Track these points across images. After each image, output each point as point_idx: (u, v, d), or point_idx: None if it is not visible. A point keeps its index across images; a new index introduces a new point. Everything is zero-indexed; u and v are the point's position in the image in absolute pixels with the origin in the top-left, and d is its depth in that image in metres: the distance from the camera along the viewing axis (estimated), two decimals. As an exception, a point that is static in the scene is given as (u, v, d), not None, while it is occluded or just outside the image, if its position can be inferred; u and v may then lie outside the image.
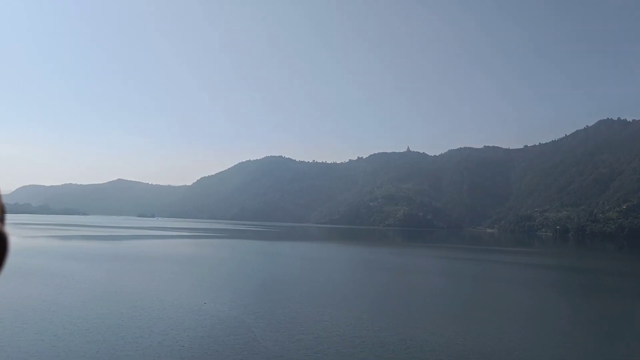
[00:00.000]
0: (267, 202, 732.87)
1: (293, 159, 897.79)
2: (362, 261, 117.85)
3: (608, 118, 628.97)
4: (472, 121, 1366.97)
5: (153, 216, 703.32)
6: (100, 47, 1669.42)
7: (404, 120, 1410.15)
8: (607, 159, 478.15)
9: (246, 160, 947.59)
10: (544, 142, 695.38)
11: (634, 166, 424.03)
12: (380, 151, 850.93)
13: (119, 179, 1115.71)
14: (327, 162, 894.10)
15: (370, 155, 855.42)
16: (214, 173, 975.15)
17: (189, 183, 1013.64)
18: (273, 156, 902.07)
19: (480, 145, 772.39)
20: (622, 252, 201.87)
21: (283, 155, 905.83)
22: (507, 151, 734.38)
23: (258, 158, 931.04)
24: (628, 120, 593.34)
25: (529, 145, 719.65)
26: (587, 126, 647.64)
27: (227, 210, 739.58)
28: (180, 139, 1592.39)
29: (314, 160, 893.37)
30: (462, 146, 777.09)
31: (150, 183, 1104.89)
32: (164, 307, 48.06)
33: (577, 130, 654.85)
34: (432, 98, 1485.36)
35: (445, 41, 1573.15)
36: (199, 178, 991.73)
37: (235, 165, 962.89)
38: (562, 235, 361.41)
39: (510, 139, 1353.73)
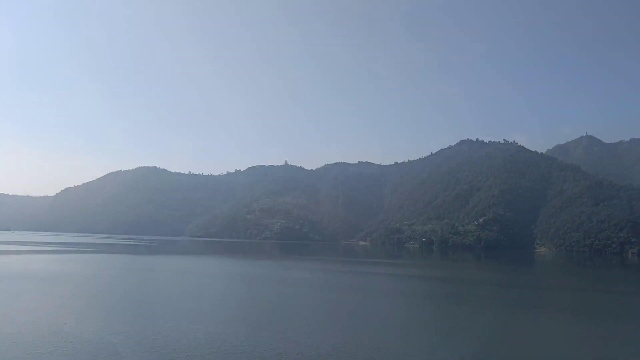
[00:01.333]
0: (141, 215, 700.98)
1: (168, 170, 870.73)
2: (238, 275, 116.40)
3: (468, 139, 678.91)
4: (347, 136, 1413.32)
5: (9, 229, 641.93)
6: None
7: (282, 134, 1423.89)
8: (467, 176, 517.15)
9: (117, 171, 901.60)
10: (412, 159, 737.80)
11: (489, 183, 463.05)
12: (259, 164, 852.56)
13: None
14: (204, 174, 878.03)
15: (249, 168, 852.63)
16: (80, 183, 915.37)
17: (52, 193, 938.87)
18: (147, 167, 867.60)
19: (354, 161, 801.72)
20: (480, 262, 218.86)
21: (157, 166, 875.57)
22: (380, 167, 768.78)
23: (130, 168, 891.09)
24: (485, 141, 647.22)
25: (399, 162, 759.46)
26: (450, 145, 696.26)
27: (97, 224, 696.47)
28: (41, 145, 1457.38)
29: (190, 172, 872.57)
30: (338, 161, 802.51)
31: (6, 193, 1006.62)
32: (20, 330, 43.77)
33: (441, 149, 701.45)
34: (308, 113, 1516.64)
35: (323, 57, 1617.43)
36: (63, 188, 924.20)
37: (104, 175, 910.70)
38: (427, 247, 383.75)
39: (383, 155, 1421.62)
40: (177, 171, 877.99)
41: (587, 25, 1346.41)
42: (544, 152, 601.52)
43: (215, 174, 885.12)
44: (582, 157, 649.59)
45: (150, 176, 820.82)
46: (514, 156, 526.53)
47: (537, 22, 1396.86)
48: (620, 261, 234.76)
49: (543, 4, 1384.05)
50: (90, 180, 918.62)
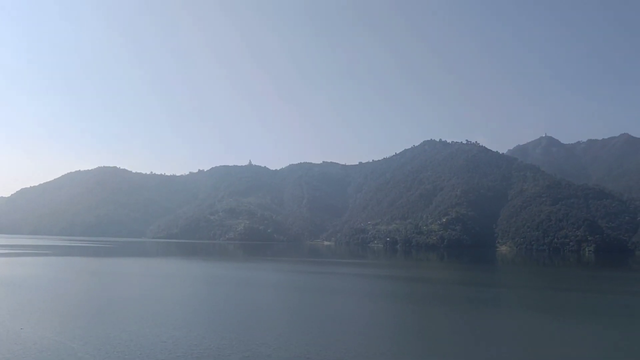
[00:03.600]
0: (100, 216, 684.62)
1: (129, 170, 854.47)
2: (203, 276, 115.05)
3: (431, 139, 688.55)
4: (311, 136, 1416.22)
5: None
6: None
7: (245, 134, 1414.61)
8: (430, 176, 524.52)
9: (75, 171, 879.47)
10: (376, 159, 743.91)
11: (452, 183, 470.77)
12: (222, 164, 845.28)
13: None
14: (167, 174, 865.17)
15: (212, 168, 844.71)
16: (37, 184, 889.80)
17: (7, 194, 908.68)
18: (107, 167, 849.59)
19: (319, 161, 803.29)
20: (443, 261, 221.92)
21: (118, 166, 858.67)
22: (344, 167, 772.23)
23: (89, 168, 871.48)
24: (448, 141, 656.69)
25: (363, 162, 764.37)
26: (413, 146, 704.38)
27: (54, 225, 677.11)
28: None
29: (152, 172, 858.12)
30: (303, 161, 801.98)
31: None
32: (-27, 337, 42.11)
33: (405, 149, 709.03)
34: (273, 112, 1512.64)
35: (287, 56, 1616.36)
36: (19, 189, 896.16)
37: (62, 175, 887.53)
38: (391, 246, 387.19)
39: (347, 155, 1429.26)
40: (138, 171, 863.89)
41: (545, 27, 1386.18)
42: (504, 152, 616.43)
43: (178, 174, 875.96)
44: (541, 157, 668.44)
45: (110, 176, 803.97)
46: (476, 156, 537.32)
47: (496, 25, 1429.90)
48: (577, 259, 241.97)
49: (499, 7, 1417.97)
50: (48, 180, 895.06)
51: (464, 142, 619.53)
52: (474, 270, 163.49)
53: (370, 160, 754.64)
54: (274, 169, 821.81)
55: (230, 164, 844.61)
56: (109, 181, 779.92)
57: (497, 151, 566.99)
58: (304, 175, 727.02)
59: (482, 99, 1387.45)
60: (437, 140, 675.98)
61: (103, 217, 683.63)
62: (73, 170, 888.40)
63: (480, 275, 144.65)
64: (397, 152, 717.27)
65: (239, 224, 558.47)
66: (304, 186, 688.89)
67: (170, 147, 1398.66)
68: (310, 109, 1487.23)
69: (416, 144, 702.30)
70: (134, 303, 67.34)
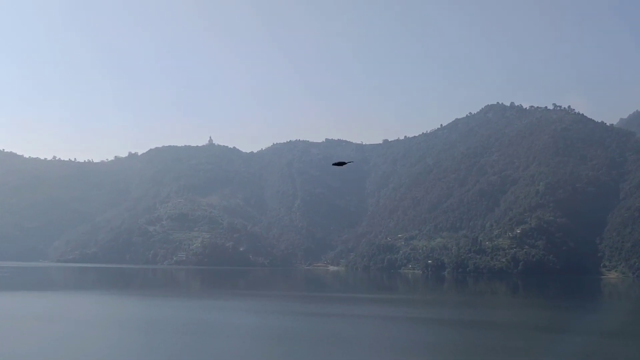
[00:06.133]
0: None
1: (19, 154, 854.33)
2: (136, 321, 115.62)
3: (498, 103, 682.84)
4: (306, 101, 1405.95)
5: None
6: None
7: (204, 96, 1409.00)
8: (497, 161, 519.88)
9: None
10: (411, 136, 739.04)
11: (531, 172, 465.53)
12: (167, 144, 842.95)
13: None
14: (78, 160, 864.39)
15: (150, 150, 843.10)
16: None
17: None
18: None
19: (320, 138, 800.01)
20: (517, 295, 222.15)
21: (3, 149, 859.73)
22: (360, 147, 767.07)
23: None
24: (524, 107, 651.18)
25: (390, 140, 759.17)
26: (470, 113, 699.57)
27: None
28: None
29: (55, 157, 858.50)
30: (295, 139, 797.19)
31: None
32: None
33: (456, 119, 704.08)
34: (244, 61, 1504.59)
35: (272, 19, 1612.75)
36: None
37: None
38: (435, 272, 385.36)
39: (365, 129, 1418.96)
40: (34, 156, 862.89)
41: None
42: (614, 123, 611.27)
43: (97, 159, 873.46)
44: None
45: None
46: (569, 130, 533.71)
47: None
48: None
49: None
50: None
51: (550, 107, 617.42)
52: (566, 310, 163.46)
53: (402, 137, 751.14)
54: (248, 151, 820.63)
55: (180, 144, 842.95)
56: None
57: (602, 121, 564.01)
58: (296, 160, 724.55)
59: (577, 43, 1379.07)
60: (507, 104, 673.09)
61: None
62: None
63: (575, 316, 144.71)
64: (444, 124, 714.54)
65: (194, 239, 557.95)
66: (296, 178, 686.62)
67: (85, 118, 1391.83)
68: (307, 53, 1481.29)
69: (474, 111, 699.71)
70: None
